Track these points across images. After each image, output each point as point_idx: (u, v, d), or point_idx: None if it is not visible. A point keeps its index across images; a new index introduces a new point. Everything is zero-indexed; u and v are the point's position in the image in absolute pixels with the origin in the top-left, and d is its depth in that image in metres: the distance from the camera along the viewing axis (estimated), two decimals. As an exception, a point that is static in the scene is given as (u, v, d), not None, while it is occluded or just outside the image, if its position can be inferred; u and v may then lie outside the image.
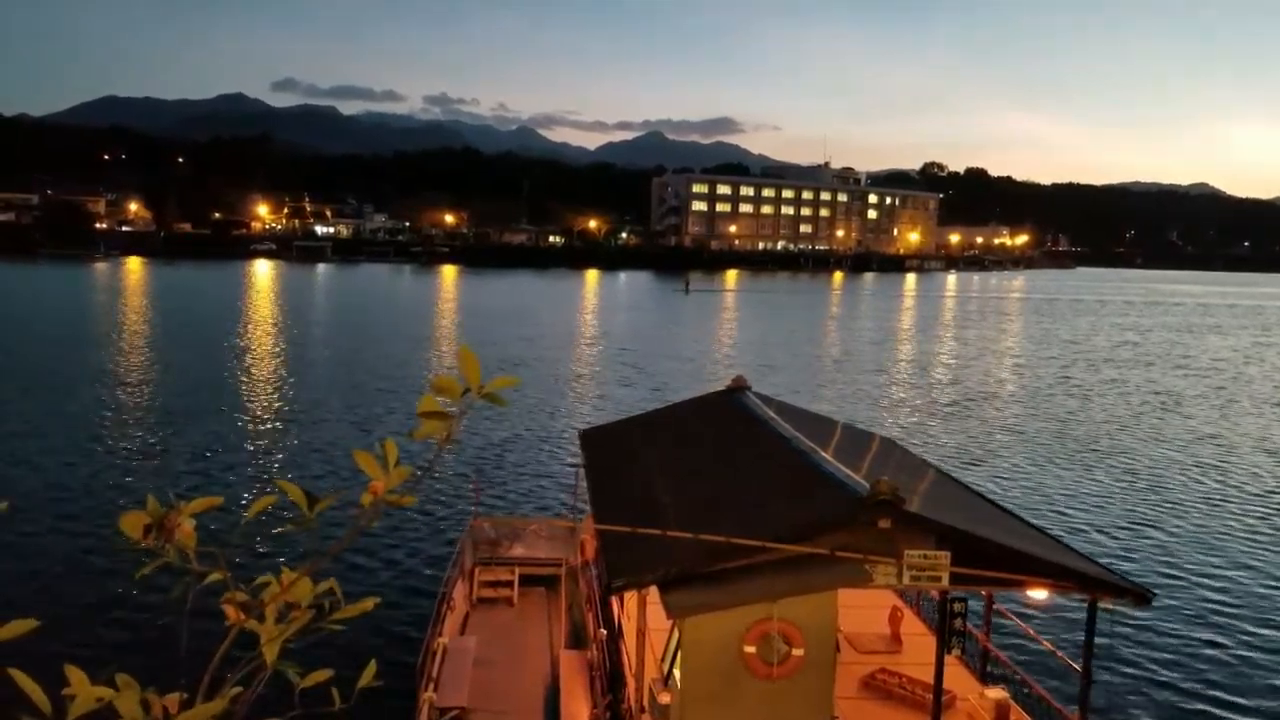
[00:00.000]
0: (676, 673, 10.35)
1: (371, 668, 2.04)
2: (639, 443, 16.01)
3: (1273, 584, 20.92)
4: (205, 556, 1.82)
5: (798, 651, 9.97)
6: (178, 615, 14.89)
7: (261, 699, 1.85)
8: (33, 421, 32.56)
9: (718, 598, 9.77)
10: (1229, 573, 21.55)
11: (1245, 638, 18.06)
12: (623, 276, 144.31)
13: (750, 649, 9.96)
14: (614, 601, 14.05)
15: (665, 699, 10.55)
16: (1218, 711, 15.26)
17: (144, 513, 1.77)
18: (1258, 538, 24.29)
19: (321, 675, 1.92)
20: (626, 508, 12.53)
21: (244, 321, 68.35)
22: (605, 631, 13.71)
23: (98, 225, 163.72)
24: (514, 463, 29.33)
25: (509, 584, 17.08)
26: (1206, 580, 21.05)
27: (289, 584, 1.84)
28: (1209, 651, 17.41)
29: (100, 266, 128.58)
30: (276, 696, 1.94)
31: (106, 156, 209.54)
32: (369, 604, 1.98)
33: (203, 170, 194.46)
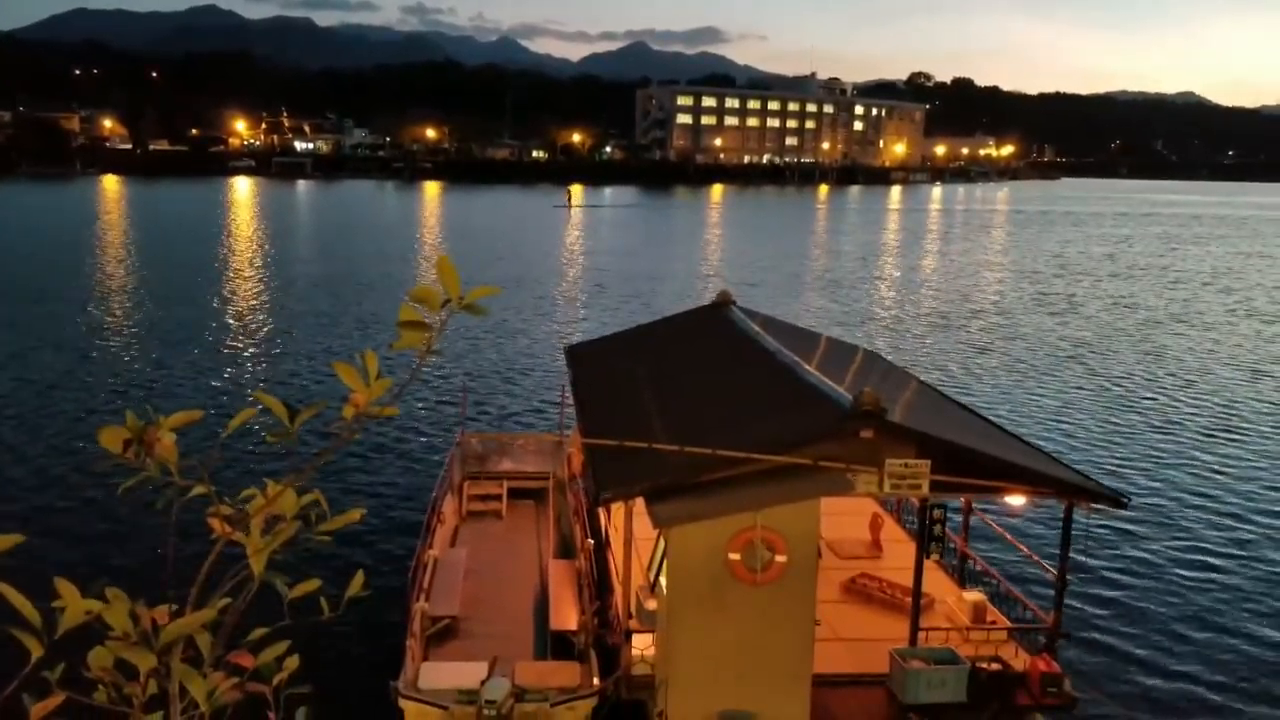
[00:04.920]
0: (663, 580, 10.56)
1: (359, 577, 2.07)
2: (625, 358, 16.06)
3: (1246, 495, 21.33)
4: (188, 470, 1.82)
5: (781, 558, 10.16)
6: (164, 530, 15.01)
7: (250, 611, 1.87)
8: (10, 340, 32.35)
9: (703, 508, 9.91)
10: (1204, 483, 21.96)
11: (1218, 547, 18.48)
12: (607, 191, 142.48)
13: (735, 556, 10.15)
14: (601, 513, 14.25)
15: (652, 605, 10.77)
16: (1190, 614, 15.69)
17: (123, 428, 1.76)
18: (1232, 449, 24.71)
19: (310, 586, 1.95)
20: (613, 422, 12.63)
21: (224, 239, 67.60)
22: (593, 542, 13.93)
23: (74, 143, 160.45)
24: (500, 378, 29.41)
25: (498, 497, 17.30)
26: (1183, 490, 21.45)
27: (274, 496, 1.85)
28: (1183, 558, 17.83)
29: (77, 184, 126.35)
30: (266, 608, 1.97)
31: (79, 72, 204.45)
32: (356, 514, 1.99)
33: (179, 86, 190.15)
